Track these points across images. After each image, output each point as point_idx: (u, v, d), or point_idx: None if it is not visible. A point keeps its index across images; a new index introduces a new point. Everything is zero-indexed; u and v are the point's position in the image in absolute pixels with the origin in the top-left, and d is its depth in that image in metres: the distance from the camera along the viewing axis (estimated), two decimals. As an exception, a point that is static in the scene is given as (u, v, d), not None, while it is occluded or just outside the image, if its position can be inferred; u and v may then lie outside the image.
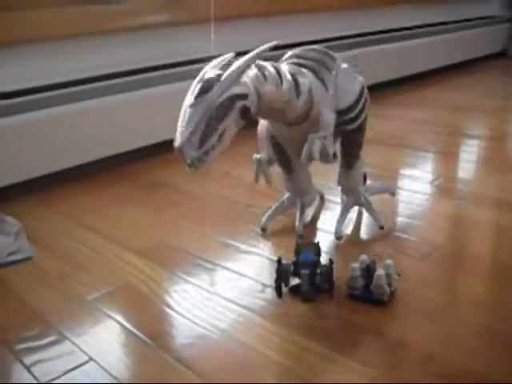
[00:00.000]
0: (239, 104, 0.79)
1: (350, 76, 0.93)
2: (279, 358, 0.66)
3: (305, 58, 0.90)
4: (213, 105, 0.76)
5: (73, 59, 1.37)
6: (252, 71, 0.79)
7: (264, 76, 0.81)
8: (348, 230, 0.98)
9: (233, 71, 0.77)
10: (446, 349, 0.66)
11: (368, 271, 0.76)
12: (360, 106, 0.92)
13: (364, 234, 0.97)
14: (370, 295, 0.75)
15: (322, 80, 0.88)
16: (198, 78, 0.79)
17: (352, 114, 0.91)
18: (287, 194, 1.02)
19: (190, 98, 0.77)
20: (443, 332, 0.69)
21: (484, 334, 0.69)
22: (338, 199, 1.10)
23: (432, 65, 2.40)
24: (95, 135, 1.30)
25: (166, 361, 0.67)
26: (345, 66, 0.94)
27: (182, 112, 0.77)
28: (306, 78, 0.86)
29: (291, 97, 0.84)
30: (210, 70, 0.80)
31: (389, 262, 0.76)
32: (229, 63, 0.81)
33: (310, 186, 1.04)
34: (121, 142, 1.36)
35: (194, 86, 0.78)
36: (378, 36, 2.15)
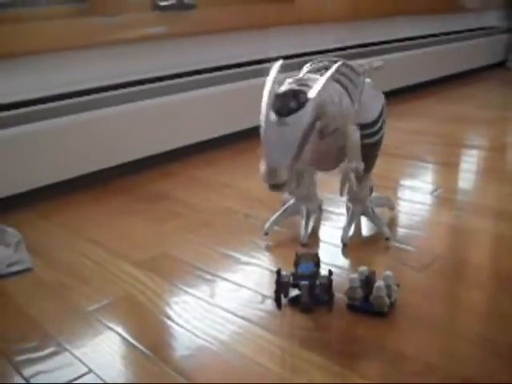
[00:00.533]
0: (318, 125, 0.78)
1: (372, 91, 0.95)
2: (279, 369, 0.66)
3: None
4: (305, 125, 0.74)
5: (67, 71, 1.38)
6: None
7: (330, 96, 0.81)
8: (349, 241, 0.98)
9: (321, 91, 0.76)
10: (446, 360, 0.66)
11: (367, 282, 0.76)
12: (381, 121, 0.94)
13: (364, 244, 0.97)
14: (369, 306, 0.75)
15: (349, 94, 0.89)
16: (268, 93, 0.77)
17: (373, 129, 0.93)
18: (291, 201, 1.03)
19: (273, 116, 0.75)
20: (443, 343, 0.69)
21: (483, 344, 0.68)
22: (337, 210, 1.11)
23: (430, 76, 2.41)
24: (94, 147, 1.30)
25: (166, 372, 0.67)
26: (368, 80, 0.95)
27: (268, 130, 0.75)
28: (341, 92, 0.87)
29: (338, 111, 0.84)
30: (275, 85, 0.78)
31: (388, 273, 0.76)
32: (303, 80, 0.81)
33: (315, 194, 1.05)
34: (119, 154, 1.36)
35: (271, 100, 0.76)
36: (375, 47, 2.16)
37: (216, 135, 1.56)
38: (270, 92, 0.78)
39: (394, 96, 2.21)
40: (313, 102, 0.76)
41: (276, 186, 0.76)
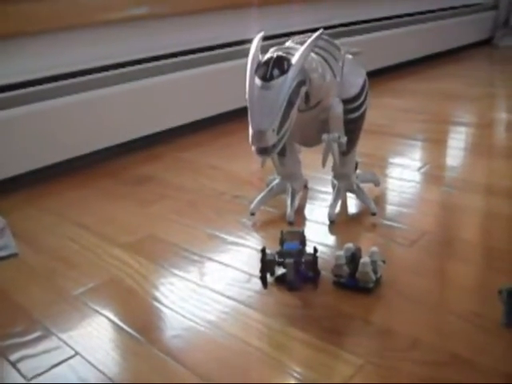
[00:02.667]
0: (303, 90, 0.80)
1: (354, 66, 0.95)
2: (266, 347, 0.66)
3: (316, 47, 0.90)
4: (290, 90, 0.76)
5: (47, 55, 1.36)
6: None
7: (311, 62, 0.82)
8: (336, 218, 0.98)
9: (301, 56, 0.78)
10: (432, 335, 0.66)
11: (353, 259, 0.76)
12: (363, 96, 0.95)
13: (351, 222, 0.97)
14: (355, 282, 0.75)
15: (331, 68, 0.89)
16: (252, 61, 0.80)
17: (357, 103, 0.94)
18: (276, 180, 1.03)
19: (258, 81, 0.77)
20: (429, 318, 0.69)
21: (470, 319, 0.69)
22: (323, 188, 1.11)
23: (417, 54, 2.40)
24: (78, 131, 1.29)
25: (154, 354, 0.66)
26: (349, 57, 0.95)
27: (253, 94, 0.77)
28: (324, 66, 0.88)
29: (322, 82, 0.85)
30: (258, 53, 0.81)
31: (374, 249, 0.76)
32: (286, 48, 0.83)
33: (300, 171, 1.05)
34: (104, 138, 1.35)
35: (254, 67, 0.78)
36: (361, 26, 2.15)
37: (201, 117, 1.55)
38: (254, 59, 0.80)
39: (381, 74, 2.21)
40: (295, 67, 0.77)
41: (263, 150, 0.77)
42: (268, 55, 0.80)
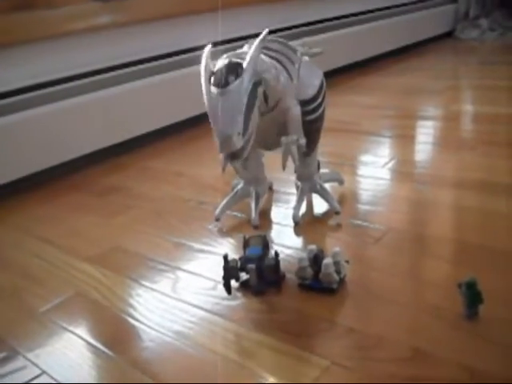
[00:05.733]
0: (260, 90, 0.81)
1: (310, 68, 0.96)
2: (233, 354, 0.66)
3: (270, 50, 0.91)
4: (247, 91, 0.77)
5: (8, 68, 1.35)
6: None
7: (263, 63, 0.83)
8: (301, 219, 0.98)
9: (252, 58, 0.78)
10: (397, 332, 0.67)
11: (316, 260, 0.76)
12: (320, 97, 0.95)
13: (317, 222, 0.98)
14: (319, 284, 0.75)
15: (287, 70, 0.90)
16: (204, 71, 0.80)
17: (314, 105, 0.94)
18: (240, 185, 1.03)
19: (214, 89, 0.77)
20: (394, 315, 0.70)
21: (433, 313, 0.69)
22: (288, 190, 1.11)
23: (379, 50, 2.42)
24: (42, 144, 1.28)
25: (122, 367, 0.66)
26: (306, 58, 0.96)
27: (212, 103, 0.77)
28: (278, 67, 0.88)
29: (276, 83, 0.86)
30: (209, 64, 0.81)
31: (336, 249, 0.77)
32: (237, 54, 0.83)
33: (263, 175, 1.05)
34: (67, 150, 1.34)
35: (210, 78, 0.78)
36: (324, 24, 2.16)
37: (164, 124, 1.55)
38: (206, 69, 0.81)
39: (345, 72, 2.22)
40: (248, 69, 0.78)
41: (233, 155, 0.77)
42: (219, 63, 0.80)
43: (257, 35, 0.84)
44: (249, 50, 0.82)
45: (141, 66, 1.52)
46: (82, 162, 1.40)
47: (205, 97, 0.79)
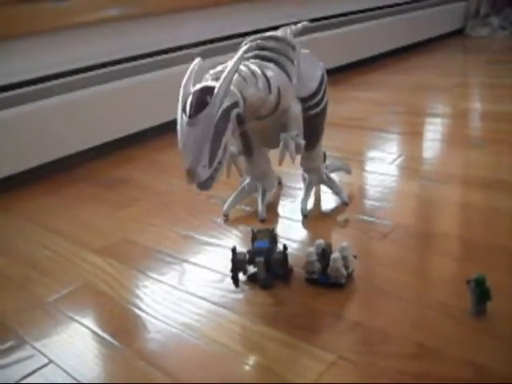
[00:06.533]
0: (234, 113, 0.78)
1: (311, 62, 0.95)
2: (239, 347, 0.66)
3: (267, 49, 0.90)
4: (214, 120, 0.74)
5: (17, 60, 1.35)
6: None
7: (244, 79, 0.81)
8: (309, 213, 0.98)
9: (223, 82, 0.75)
10: (404, 327, 0.67)
11: (324, 255, 0.76)
12: (322, 90, 0.95)
13: (324, 217, 0.98)
14: (327, 278, 0.75)
15: (286, 72, 0.89)
16: (181, 94, 0.78)
17: (315, 100, 0.94)
18: (247, 180, 1.03)
19: (184, 117, 0.75)
20: (401, 311, 0.70)
21: (439, 309, 0.69)
22: (296, 185, 1.11)
23: (389, 46, 2.42)
24: (52, 135, 1.29)
25: (128, 358, 0.66)
26: (305, 51, 0.95)
27: (181, 132, 0.75)
28: (273, 72, 0.87)
29: (266, 93, 0.84)
30: (189, 85, 0.78)
31: (344, 244, 0.77)
32: (219, 72, 0.81)
33: (270, 170, 1.05)
34: (77, 141, 1.34)
35: (184, 103, 0.76)
36: (333, 20, 2.16)
37: (174, 118, 1.54)
38: (184, 93, 0.78)
39: (353, 68, 2.22)
40: (218, 94, 0.75)
41: (200, 185, 0.76)
42: (196, 87, 0.78)
43: (263, 30, 0.83)
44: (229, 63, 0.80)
45: (150, 59, 1.52)
46: (90, 154, 1.40)
47: (178, 123, 0.77)
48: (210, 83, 0.77)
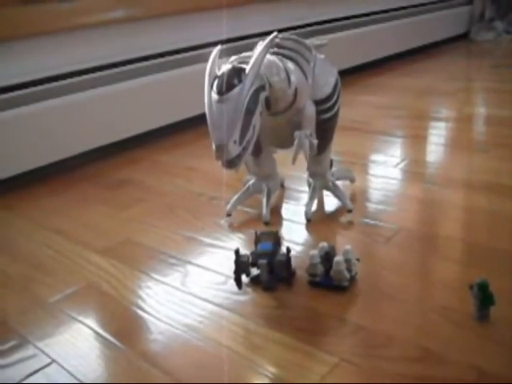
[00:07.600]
0: (263, 95, 0.81)
1: (326, 67, 0.96)
2: (241, 349, 0.66)
3: (284, 48, 0.91)
4: (246, 99, 0.76)
5: (23, 60, 1.35)
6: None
7: (269, 67, 0.83)
8: (313, 216, 0.98)
9: (254, 64, 0.78)
10: (407, 331, 0.67)
11: (327, 257, 0.76)
12: (335, 96, 0.95)
13: (328, 220, 0.98)
14: (330, 281, 0.75)
15: (303, 70, 0.90)
16: (208, 75, 0.80)
17: (329, 104, 0.94)
18: (252, 180, 1.03)
19: (214, 95, 0.77)
20: (404, 314, 0.70)
21: (442, 313, 0.69)
22: (300, 187, 1.11)
23: (394, 50, 2.42)
24: (56, 136, 1.29)
25: (130, 359, 0.66)
26: (321, 56, 0.95)
27: (211, 109, 0.77)
28: (292, 68, 0.88)
29: (286, 85, 0.85)
30: (214, 67, 0.81)
31: (347, 247, 0.77)
32: (243, 57, 0.83)
33: (275, 171, 1.05)
34: (81, 142, 1.35)
35: (211, 83, 0.78)
36: (338, 23, 2.16)
37: (177, 119, 1.55)
38: (210, 73, 0.80)
39: (358, 72, 2.22)
40: (250, 74, 0.77)
41: (229, 162, 0.77)
42: (223, 67, 0.80)
43: (271, 32, 0.83)
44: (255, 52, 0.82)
45: (154, 61, 1.52)
46: (94, 155, 1.41)
47: (205, 101, 0.79)
48: (237, 64, 0.80)
